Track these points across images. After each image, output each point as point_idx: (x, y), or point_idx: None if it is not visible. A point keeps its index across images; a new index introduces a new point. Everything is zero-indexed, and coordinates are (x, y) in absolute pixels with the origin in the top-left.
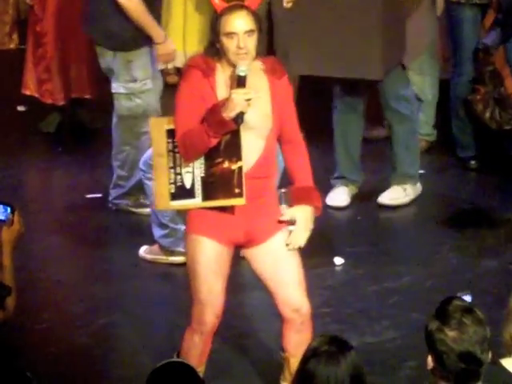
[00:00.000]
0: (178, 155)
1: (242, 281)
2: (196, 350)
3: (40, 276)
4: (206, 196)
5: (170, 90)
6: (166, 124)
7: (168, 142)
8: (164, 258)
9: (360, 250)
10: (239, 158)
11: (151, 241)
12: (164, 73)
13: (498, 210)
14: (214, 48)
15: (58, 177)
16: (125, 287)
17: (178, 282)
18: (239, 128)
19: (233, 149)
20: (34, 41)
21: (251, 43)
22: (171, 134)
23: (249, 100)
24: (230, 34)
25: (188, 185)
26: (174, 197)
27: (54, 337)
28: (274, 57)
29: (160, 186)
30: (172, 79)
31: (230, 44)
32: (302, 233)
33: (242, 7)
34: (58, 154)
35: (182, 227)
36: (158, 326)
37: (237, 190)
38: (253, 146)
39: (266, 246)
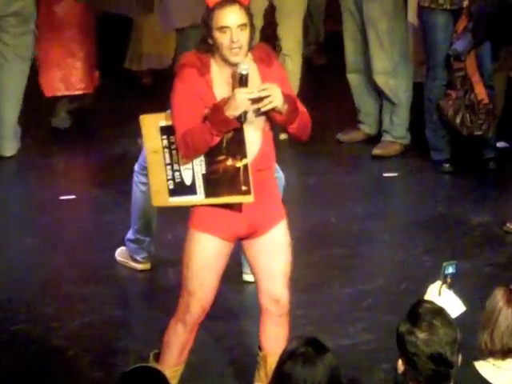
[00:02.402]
0: (174, 152)
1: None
2: (178, 341)
3: (15, 277)
4: (209, 193)
5: (145, 91)
6: (159, 120)
7: (163, 139)
8: (127, 261)
9: (334, 252)
10: (244, 156)
11: (124, 243)
12: (139, 74)
13: (472, 213)
14: (207, 44)
15: (32, 178)
16: (99, 288)
17: (154, 284)
18: (242, 126)
19: (236, 146)
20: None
21: (244, 37)
22: (166, 130)
23: (252, 99)
24: (222, 29)
25: (188, 181)
26: (172, 193)
27: (29, 338)
28: (261, 44)
29: (156, 183)
30: (146, 80)
31: (223, 38)
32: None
33: (235, 1)
34: (32, 155)
35: (148, 239)
36: (133, 327)
37: (244, 188)
38: (252, 139)
39: (264, 238)
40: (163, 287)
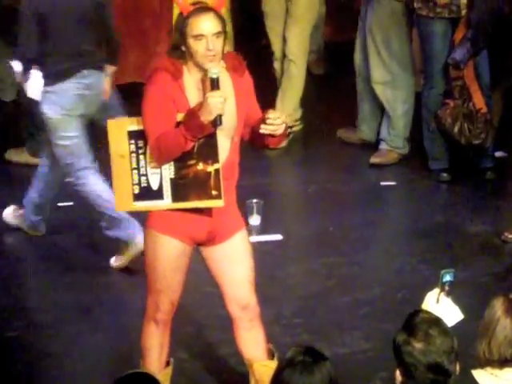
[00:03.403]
0: (141, 156)
1: (211, 291)
2: (153, 340)
3: (10, 284)
4: (177, 197)
5: None
6: (127, 125)
7: (131, 143)
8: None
9: (331, 260)
10: (216, 161)
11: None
12: None
13: (470, 222)
14: (179, 50)
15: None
16: (94, 296)
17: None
18: (216, 131)
19: (208, 150)
20: None
21: (219, 45)
22: (134, 135)
23: (224, 102)
24: (198, 36)
25: (155, 186)
26: (137, 197)
27: (25, 345)
28: (233, 52)
29: (120, 188)
30: None
31: (198, 46)
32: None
33: (209, 9)
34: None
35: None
36: (127, 334)
37: (214, 192)
38: (222, 146)
39: (224, 246)
40: None
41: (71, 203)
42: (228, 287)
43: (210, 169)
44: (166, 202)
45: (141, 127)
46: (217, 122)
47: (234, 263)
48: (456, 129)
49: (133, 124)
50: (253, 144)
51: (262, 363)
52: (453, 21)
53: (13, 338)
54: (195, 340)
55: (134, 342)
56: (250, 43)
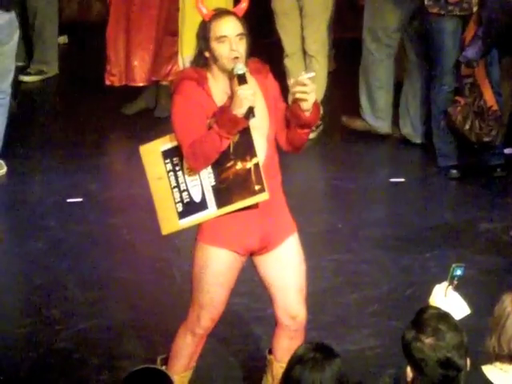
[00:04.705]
0: (179, 173)
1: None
2: (186, 351)
3: (20, 280)
4: (221, 203)
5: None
6: (159, 146)
7: (166, 163)
8: None
9: (340, 257)
10: (253, 155)
11: (131, 246)
12: None
13: (479, 219)
14: (203, 57)
15: (39, 181)
16: (105, 292)
17: (160, 288)
18: (249, 125)
19: (244, 147)
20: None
21: (242, 47)
22: (168, 153)
23: (254, 94)
24: (221, 38)
25: (198, 198)
26: (182, 215)
27: (35, 341)
28: (253, 57)
29: (163, 210)
30: None
31: (221, 49)
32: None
33: (231, 13)
34: (39, 157)
35: None
36: (137, 330)
37: (257, 187)
38: (258, 145)
39: (276, 252)
40: (170, 291)
41: (80, 199)
42: (279, 294)
43: (249, 165)
44: (212, 210)
45: (173, 143)
46: (249, 114)
47: (286, 269)
48: (467, 126)
49: (165, 143)
50: (291, 145)
51: (281, 365)
52: (463, 18)
53: (22, 333)
54: (206, 336)
55: (145, 338)
56: (260, 40)
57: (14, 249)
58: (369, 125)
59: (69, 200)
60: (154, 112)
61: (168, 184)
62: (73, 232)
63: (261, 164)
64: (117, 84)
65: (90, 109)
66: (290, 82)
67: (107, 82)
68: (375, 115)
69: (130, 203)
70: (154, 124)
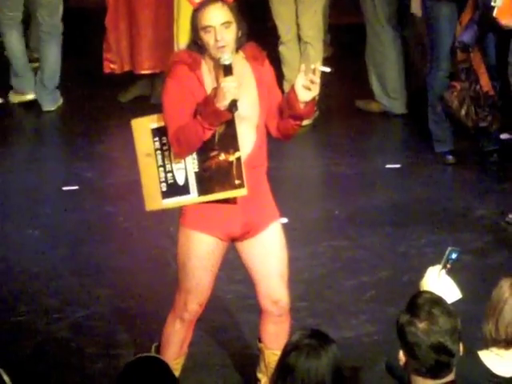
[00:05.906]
0: (166, 153)
1: (218, 274)
2: (176, 337)
3: (17, 268)
4: (202, 190)
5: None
6: (150, 123)
7: (155, 141)
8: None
9: (337, 244)
10: (236, 149)
11: (127, 234)
12: None
13: (475, 205)
14: (197, 45)
15: (35, 169)
16: (101, 280)
17: (157, 275)
18: (233, 118)
19: (228, 140)
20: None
21: (229, 35)
22: (157, 132)
23: (238, 86)
24: (206, 28)
25: (181, 181)
26: (166, 195)
27: (31, 329)
28: (251, 42)
29: (149, 187)
30: None
31: (208, 38)
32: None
33: (216, 0)
34: (35, 146)
35: None
36: (136, 318)
37: (237, 182)
38: (246, 135)
39: (258, 238)
40: (166, 279)
41: (76, 187)
42: (261, 280)
43: (232, 158)
44: (193, 196)
45: (162, 124)
46: (232, 107)
47: (268, 255)
48: (463, 111)
49: (154, 121)
50: (282, 133)
51: (273, 352)
52: (459, 3)
53: (19, 322)
54: (201, 323)
55: (142, 326)
56: (256, 25)
57: (11, 237)
58: (384, 106)
59: (65, 188)
60: (151, 99)
61: (155, 162)
62: (69, 220)
63: (248, 153)
64: (118, 71)
65: (86, 96)
66: (302, 67)
67: (106, 70)
68: (388, 96)
69: (125, 191)
70: (150, 111)
